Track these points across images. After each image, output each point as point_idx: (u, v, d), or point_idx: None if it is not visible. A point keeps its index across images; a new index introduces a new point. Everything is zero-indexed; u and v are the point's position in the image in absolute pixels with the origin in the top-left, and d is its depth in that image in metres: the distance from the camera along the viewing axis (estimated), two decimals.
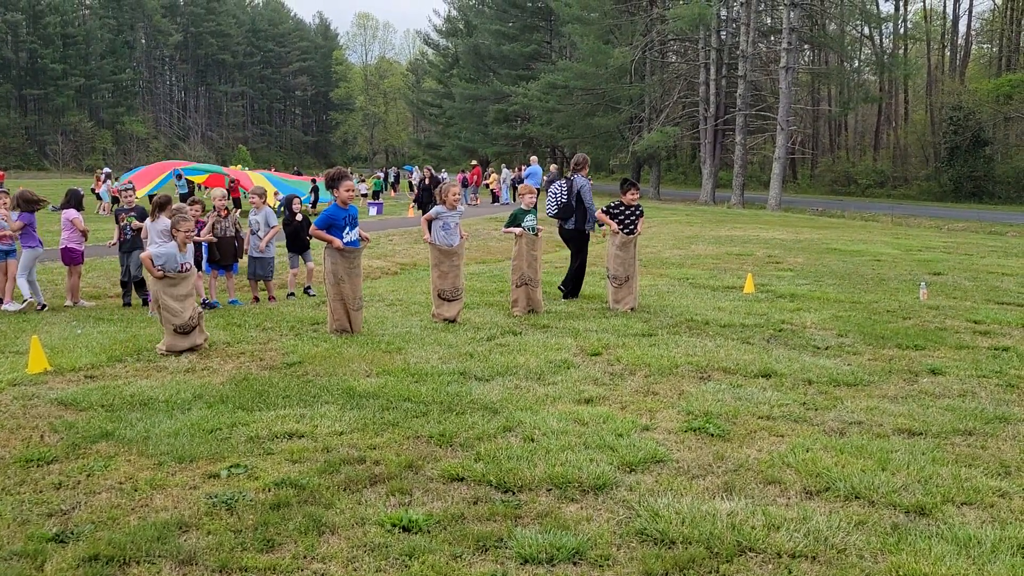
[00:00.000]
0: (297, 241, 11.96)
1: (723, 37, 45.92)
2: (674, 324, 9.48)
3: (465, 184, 38.24)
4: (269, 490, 4.51)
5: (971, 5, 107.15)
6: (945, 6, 64.58)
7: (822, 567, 3.72)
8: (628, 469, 4.88)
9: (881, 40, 57.18)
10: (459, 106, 62.16)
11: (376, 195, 38.70)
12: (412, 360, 7.62)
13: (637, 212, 10.74)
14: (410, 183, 54.70)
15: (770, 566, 3.73)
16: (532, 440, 5.35)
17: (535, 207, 10.65)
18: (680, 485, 4.63)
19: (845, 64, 53.23)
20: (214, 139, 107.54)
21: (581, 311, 10.37)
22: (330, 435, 5.44)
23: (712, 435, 5.53)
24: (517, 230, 10.28)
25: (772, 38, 46.78)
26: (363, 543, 3.90)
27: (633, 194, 10.70)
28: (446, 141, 67.70)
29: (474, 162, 43.28)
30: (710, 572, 3.67)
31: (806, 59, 56.09)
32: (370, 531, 4.01)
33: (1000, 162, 50.61)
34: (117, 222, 11.44)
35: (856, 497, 4.51)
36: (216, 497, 4.41)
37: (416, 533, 4.00)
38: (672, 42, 50.26)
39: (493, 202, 39.15)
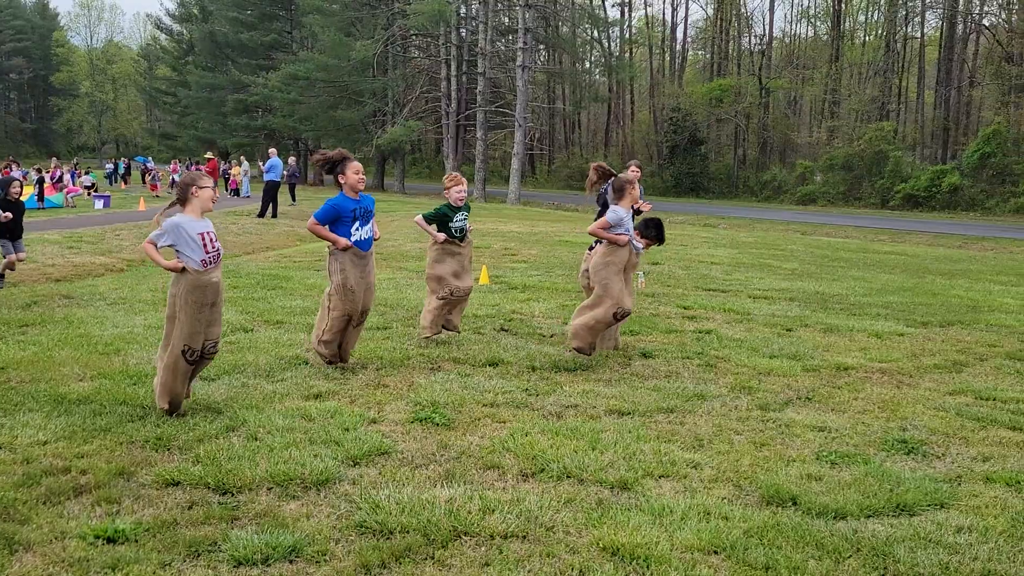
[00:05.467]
0: (10, 226, 11.03)
1: (463, 34, 46.82)
2: (409, 317, 9.58)
3: None
4: None
5: (687, 14, 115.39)
6: (665, 14, 69.40)
7: (531, 545, 3.91)
8: (352, 463, 4.90)
9: (609, 44, 60.46)
10: (195, 95, 59.29)
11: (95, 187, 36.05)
12: (132, 361, 7.22)
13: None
14: (142, 174, 51.68)
15: (483, 548, 3.88)
16: (256, 439, 5.24)
17: (466, 204, 8.45)
18: (403, 476, 4.71)
19: (577, 65, 55.82)
20: None
21: (316, 305, 10.21)
22: (32, 445, 5.05)
23: (438, 424, 5.66)
24: (441, 236, 8.25)
25: (510, 37, 48.21)
26: (61, 559, 3.66)
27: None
28: (182, 131, 64.41)
29: (209, 155, 41.43)
30: (426, 559, 3.77)
31: (542, 59, 58.23)
32: (70, 545, 3.77)
33: (713, 160, 55.23)
34: None
35: (567, 476, 4.77)
36: None
37: (122, 543, 3.81)
38: (414, 37, 50.62)
39: (233, 195, 37.79)
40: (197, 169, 25.51)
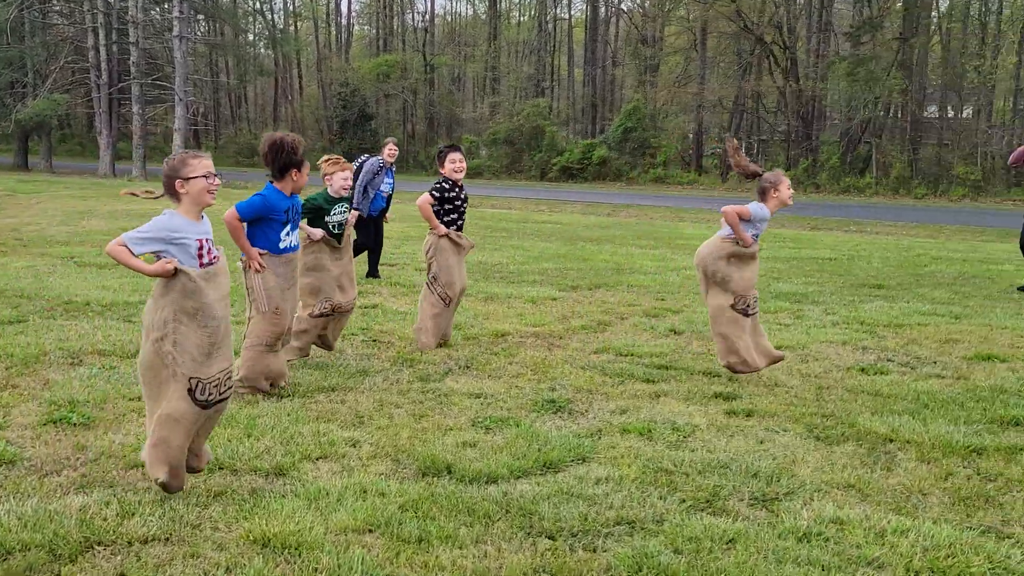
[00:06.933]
0: None
1: (111, 1, 43.31)
2: (50, 308, 8.74)
3: None
4: None
5: None
6: None
7: (174, 547, 3.68)
8: None
9: (272, 16, 58.89)
10: None
11: None
12: None
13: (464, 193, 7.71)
14: None
15: (119, 557, 3.59)
16: None
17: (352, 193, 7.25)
18: (29, 486, 4.25)
19: (240, 37, 53.75)
20: None
21: None
22: None
23: (75, 425, 5.18)
24: (318, 233, 6.73)
25: (165, 5, 45.34)
26: None
27: (456, 161, 7.44)
28: None
29: None
30: None
31: (202, 30, 55.36)
32: None
33: (384, 135, 55.43)
34: None
35: (220, 468, 4.55)
36: None
37: None
38: (55, 2, 46.13)
39: None
40: None
